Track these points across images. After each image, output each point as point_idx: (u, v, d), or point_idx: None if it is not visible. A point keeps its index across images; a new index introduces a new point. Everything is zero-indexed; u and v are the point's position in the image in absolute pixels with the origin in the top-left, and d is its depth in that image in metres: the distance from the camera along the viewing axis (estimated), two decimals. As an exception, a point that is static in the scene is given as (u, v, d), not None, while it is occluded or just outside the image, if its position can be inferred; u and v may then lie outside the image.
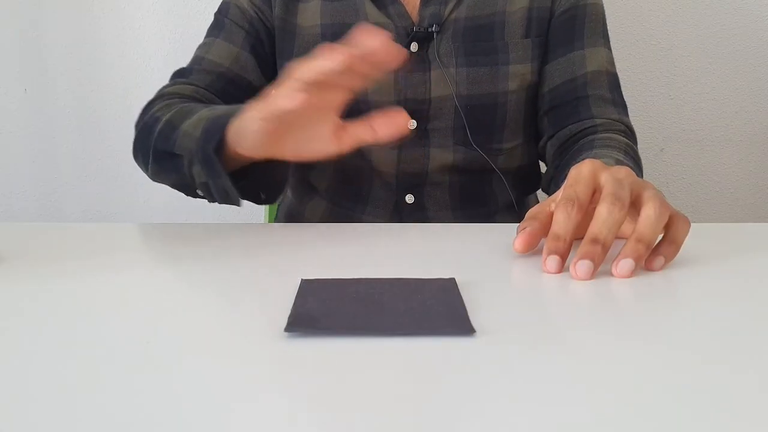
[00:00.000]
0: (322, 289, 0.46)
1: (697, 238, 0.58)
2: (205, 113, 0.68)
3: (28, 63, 1.48)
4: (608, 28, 0.90)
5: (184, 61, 0.85)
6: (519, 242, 0.54)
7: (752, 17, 1.42)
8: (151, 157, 0.73)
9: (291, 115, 0.55)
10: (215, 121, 0.64)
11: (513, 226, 0.65)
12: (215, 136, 0.62)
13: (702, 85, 1.45)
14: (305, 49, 0.87)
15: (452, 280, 0.48)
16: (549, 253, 0.51)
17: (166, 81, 0.85)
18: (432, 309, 0.42)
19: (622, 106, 0.87)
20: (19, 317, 0.43)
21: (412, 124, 0.86)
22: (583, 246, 0.50)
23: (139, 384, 0.33)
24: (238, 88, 0.87)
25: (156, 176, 0.74)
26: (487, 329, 0.40)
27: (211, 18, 0.92)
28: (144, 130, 0.76)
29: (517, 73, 0.85)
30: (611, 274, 0.50)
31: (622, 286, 0.48)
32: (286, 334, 0.39)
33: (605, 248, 0.50)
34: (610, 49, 0.89)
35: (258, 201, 0.69)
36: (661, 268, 0.52)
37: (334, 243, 0.59)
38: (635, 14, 1.42)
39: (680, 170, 1.50)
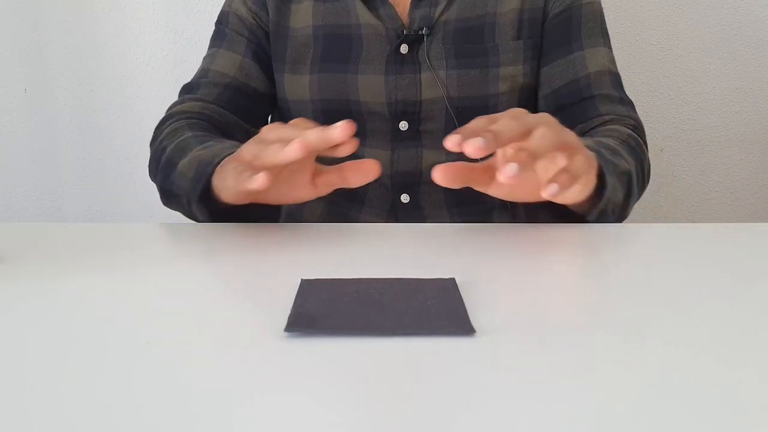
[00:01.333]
0: (322, 289, 0.46)
1: (697, 238, 0.58)
2: (196, 154, 0.71)
3: (28, 63, 1.48)
4: (609, 28, 0.90)
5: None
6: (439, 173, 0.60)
7: (752, 17, 1.42)
8: (159, 191, 0.76)
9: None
10: (203, 168, 0.68)
11: (513, 227, 0.65)
12: (201, 184, 0.65)
13: (702, 85, 1.45)
14: (297, 50, 0.87)
15: (452, 280, 0.48)
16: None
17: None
18: (432, 309, 0.42)
19: (629, 104, 0.86)
20: (19, 317, 0.43)
21: (404, 125, 0.86)
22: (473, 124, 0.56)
23: (139, 384, 0.33)
24: (245, 96, 0.88)
25: (167, 206, 0.77)
26: (487, 329, 0.40)
27: (211, 18, 0.92)
28: (153, 158, 0.79)
29: (508, 75, 0.85)
30: (614, 273, 0.50)
31: (622, 286, 0.48)
32: (286, 334, 0.39)
33: (496, 137, 0.53)
34: (610, 48, 0.88)
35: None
36: (554, 195, 0.55)
37: (334, 243, 0.59)
38: (635, 14, 1.42)
39: (680, 170, 1.50)
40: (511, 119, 0.56)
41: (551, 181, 0.56)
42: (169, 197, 0.74)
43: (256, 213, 0.69)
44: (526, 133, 0.56)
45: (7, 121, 1.51)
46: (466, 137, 0.53)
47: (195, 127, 0.80)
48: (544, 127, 0.56)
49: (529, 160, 0.55)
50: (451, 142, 0.53)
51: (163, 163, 0.75)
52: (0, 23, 1.46)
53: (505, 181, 0.53)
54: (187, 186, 0.69)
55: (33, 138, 1.52)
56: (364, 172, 0.62)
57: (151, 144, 0.83)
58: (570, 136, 0.59)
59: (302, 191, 0.65)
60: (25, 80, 1.49)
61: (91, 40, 1.47)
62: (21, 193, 1.55)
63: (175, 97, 0.90)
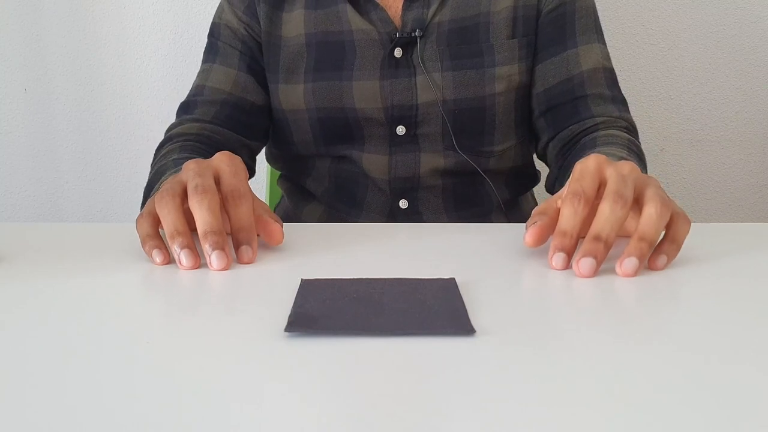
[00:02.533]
0: (322, 289, 0.46)
1: (697, 238, 0.58)
2: (164, 178, 0.70)
3: (28, 63, 1.48)
4: (608, 28, 0.89)
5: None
6: (529, 236, 0.54)
7: (752, 17, 1.42)
8: None
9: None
10: (147, 193, 0.71)
11: (512, 226, 0.65)
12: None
13: (702, 85, 1.45)
14: (291, 59, 0.86)
15: (452, 280, 0.48)
16: (555, 250, 0.52)
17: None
18: (432, 309, 0.42)
19: (621, 103, 0.86)
20: (19, 317, 0.43)
21: (401, 130, 0.85)
22: (586, 243, 0.50)
23: (139, 384, 0.33)
24: (243, 111, 0.87)
25: None
26: (487, 329, 0.40)
27: (210, 19, 0.91)
28: (148, 182, 0.78)
29: (504, 74, 0.84)
30: (614, 273, 0.50)
31: (622, 286, 0.48)
32: (286, 334, 0.39)
33: (607, 246, 0.50)
34: (604, 43, 0.87)
35: None
36: (664, 267, 0.52)
37: (334, 243, 0.59)
38: (635, 14, 1.42)
39: (680, 170, 1.50)
40: (612, 201, 0.51)
41: (659, 252, 0.52)
42: None
43: None
44: (635, 203, 0.53)
45: (7, 121, 1.51)
46: (561, 247, 0.51)
47: (186, 149, 0.79)
48: (655, 204, 0.52)
49: (649, 252, 0.51)
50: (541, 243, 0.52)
51: (146, 185, 0.76)
52: (0, 23, 1.46)
53: (625, 276, 0.50)
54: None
55: (33, 138, 1.52)
56: (270, 236, 0.58)
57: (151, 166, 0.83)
58: (674, 205, 0.55)
59: None
60: (25, 80, 1.49)
61: (91, 40, 1.47)
62: (21, 193, 1.55)
63: (174, 96, 0.90)
